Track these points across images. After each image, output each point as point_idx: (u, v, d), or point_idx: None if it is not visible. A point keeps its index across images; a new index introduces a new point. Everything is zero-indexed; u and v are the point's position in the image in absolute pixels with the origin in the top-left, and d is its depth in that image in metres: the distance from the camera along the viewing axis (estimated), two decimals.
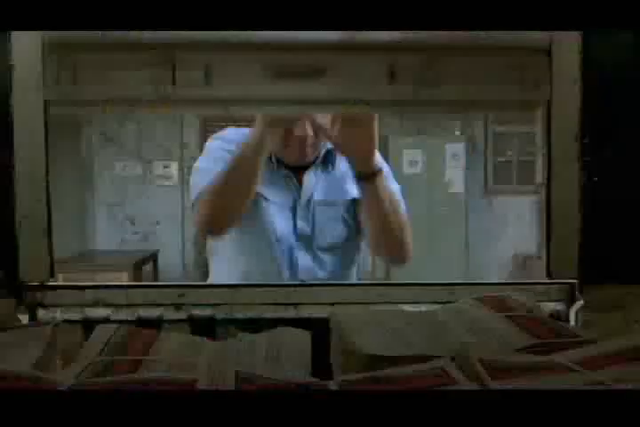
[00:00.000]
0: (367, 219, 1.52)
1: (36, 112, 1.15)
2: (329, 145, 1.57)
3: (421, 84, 1.17)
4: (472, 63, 1.18)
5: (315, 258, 1.57)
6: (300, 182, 1.58)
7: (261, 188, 1.50)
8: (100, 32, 1.11)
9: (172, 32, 1.11)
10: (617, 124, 1.20)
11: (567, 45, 1.18)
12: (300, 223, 1.56)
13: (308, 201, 1.57)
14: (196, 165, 1.61)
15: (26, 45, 1.13)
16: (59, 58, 1.14)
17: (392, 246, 1.53)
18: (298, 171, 1.58)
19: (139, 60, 1.14)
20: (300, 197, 1.56)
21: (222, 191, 1.43)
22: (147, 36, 1.13)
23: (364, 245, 1.66)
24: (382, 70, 1.17)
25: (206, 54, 1.15)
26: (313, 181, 1.57)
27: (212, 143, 1.63)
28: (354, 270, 1.66)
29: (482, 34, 1.14)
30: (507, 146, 6.34)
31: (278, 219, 1.55)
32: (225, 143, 1.58)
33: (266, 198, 1.55)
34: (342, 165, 1.58)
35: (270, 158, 1.54)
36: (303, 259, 1.56)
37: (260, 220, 1.54)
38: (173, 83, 1.14)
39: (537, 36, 1.17)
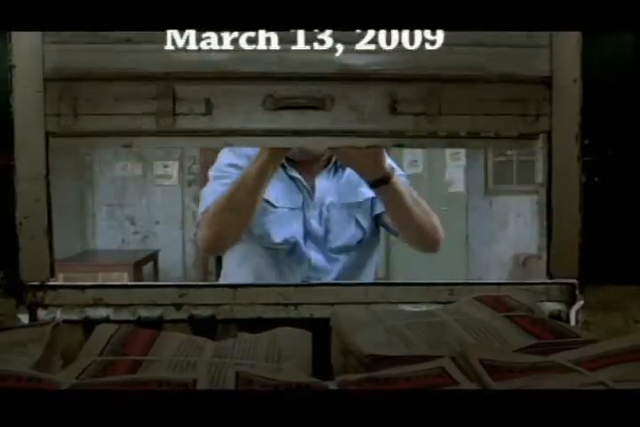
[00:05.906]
0: (393, 218, 1.53)
1: (37, 112, 1.15)
2: None
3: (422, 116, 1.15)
4: (474, 95, 1.17)
5: (328, 259, 1.56)
6: (312, 186, 1.57)
7: (269, 193, 1.49)
8: (101, 65, 1.12)
9: (172, 64, 1.12)
10: (617, 124, 1.20)
11: (567, 45, 1.18)
12: (313, 225, 1.54)
13: (321, 204, 1.56)
14: (210, 174, 1.60)
15: (26, 45, 1.13)
16: (59, 90, 1.13)
17: (426, 236, 1.54)
18: (308, 175, 1.57)
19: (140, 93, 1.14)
20: (312, 199, 1.55)
21: (223, 215, 1.44)
22: (147, 68, 1.13)
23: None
24: (383, 102, 1.16)
25: (206, 85, 1.14)
26: (326, 186, 1.57)
27: (224, 157, 1.59)
28: (370, 271, 1.63)
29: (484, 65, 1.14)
30: None
31: (288, 222, 1.54)
32: (236, 158, 1.55)
33: (274, 205, 1.53)
34: None
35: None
36: (316, 259, 1.55)
37: (268, 225, 1.53)
38: (174, 114, 1.14)
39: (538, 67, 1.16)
